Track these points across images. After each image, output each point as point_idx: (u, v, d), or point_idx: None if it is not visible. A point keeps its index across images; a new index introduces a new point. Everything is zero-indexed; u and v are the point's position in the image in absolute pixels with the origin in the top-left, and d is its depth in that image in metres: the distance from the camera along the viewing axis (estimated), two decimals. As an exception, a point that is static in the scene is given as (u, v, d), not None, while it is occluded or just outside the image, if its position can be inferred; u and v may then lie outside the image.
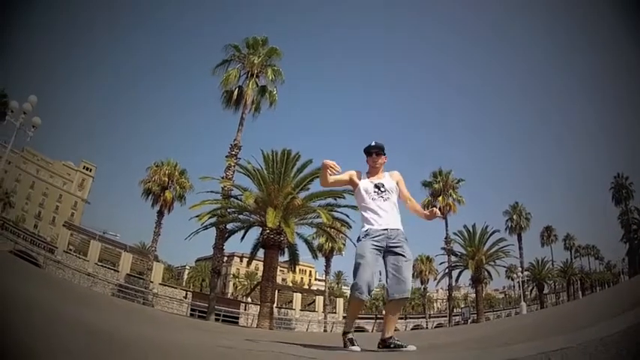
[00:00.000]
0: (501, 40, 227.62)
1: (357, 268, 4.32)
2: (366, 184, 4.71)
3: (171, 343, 3.04)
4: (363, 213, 4.67)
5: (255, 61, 27.52)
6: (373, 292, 4.58)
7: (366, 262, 4.28)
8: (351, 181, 4.86)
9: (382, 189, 4.64)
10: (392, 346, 4.09)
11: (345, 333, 4.48)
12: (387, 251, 4.40)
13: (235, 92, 27.59)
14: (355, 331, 4.67)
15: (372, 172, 4.83)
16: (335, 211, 22.33)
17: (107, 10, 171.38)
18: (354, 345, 4.26)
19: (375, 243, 4.39)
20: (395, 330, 4.26)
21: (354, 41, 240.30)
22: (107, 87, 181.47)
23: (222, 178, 24.31)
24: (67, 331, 2.04)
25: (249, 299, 45.29)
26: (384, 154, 4.84)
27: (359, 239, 4.54)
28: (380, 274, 4.81)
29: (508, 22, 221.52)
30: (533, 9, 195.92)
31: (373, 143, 4.81)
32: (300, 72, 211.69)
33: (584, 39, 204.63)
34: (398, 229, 4.48)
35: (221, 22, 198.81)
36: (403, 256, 4.32)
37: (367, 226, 4.52)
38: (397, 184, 4.76)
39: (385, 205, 4.60)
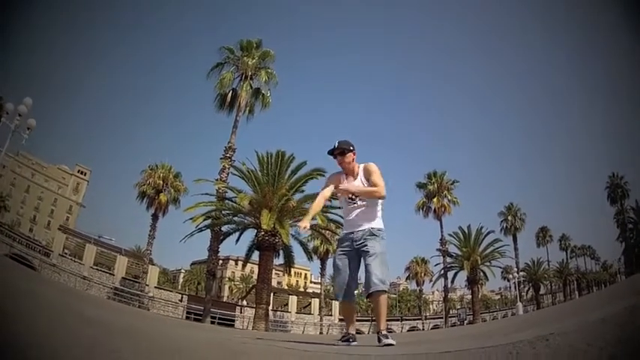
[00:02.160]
0: (500, 40, 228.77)
1: (333, 275, 4.73)
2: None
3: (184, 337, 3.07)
4: (344, 217, 4.95)
5: (249, 64, 27.56)
6: (356, 291, 4.74)
7: (337, 268, 4.62)
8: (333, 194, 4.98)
9: (354, 195, 4.73)
10: (378, 340, 4.15)
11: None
12: (358, 252, 4.60)
13: (229, 95, 27.61)
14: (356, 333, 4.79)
15: (346, 172, 4.90)
16: (330, 212, 22.33)
17: (102, 15, 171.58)
18: (346, 341, 4.48)
19: (343, 249, 4.69)
20: (389, 330, 4.29)
21: (348, 42, 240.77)
22: (101, 90, 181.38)
23: (217, 180, 24.27)
24: (67, 326, 2.07)
25: (244, 302, 45.20)
26: (351, 150, 4.82)
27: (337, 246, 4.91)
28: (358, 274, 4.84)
29: (504, 21, 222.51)
30: (531, 8, 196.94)
31: (336, 144, 4.80)
32: (294, 74, 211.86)
33: (580, 38, 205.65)
34: (363, 230, 4.62)
35: (216, 25, 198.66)
36: (367, 252, 4.45)
37: (341, 234, 4.92)
38: (369, 178, 4.73)
39: (354, 209, 4.76)
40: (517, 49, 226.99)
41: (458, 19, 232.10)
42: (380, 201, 4.77)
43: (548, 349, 1.66)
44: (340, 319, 51.42)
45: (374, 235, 4.56)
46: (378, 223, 4.67)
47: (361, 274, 4.59)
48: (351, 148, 4.82)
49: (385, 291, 4.39)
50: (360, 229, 4.62)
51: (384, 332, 4.25)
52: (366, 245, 4.49)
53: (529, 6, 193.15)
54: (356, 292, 4.79)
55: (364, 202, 4.70)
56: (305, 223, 4.67)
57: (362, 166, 4.84)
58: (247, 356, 2.46)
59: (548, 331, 1.63)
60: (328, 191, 4.90)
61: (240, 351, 2.77)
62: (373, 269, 4.33)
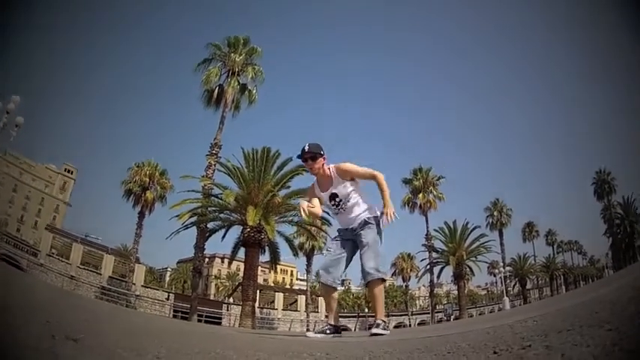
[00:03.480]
0: (488, 35, 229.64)
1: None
2: (325, 200, 4.85)
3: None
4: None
5: (236, 60, 27.55)
6: (337, 275, 4.69)
7: (327, 249, 4.85)
8: (318, 200, 4.91)
9: (337, 199, 4.74)
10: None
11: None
12: (354, 242, 4.69)
13: (216, 91, 27.58)
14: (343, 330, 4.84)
15: (319, 177, 4.86)
16: (316, 216, 22.35)
17: (87, 14, 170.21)
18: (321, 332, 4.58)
19: (340, 236, 4.83)
20: (385, 322, 4.32)
21: (337, 38, 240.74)
22: (87, 88, 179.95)
23: (203, 176, 24.23)
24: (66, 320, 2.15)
25: (231, 300, 45.17)
26: (322, 155, 4.74)
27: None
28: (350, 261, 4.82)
29: (499, 20, 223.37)
30: (527, 7, 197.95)
31: (306, 148, 4.71)
32: (280, 71, 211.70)
33: (572, 36, 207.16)
34: (359, 222, 4.65)
35: (203, 23, 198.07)
36: (360, 242, 4.54)
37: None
38: (350, 177, 4.72)
39: (342, 213, 4.79)
40: (506, 47, 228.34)
41: (451, 15, 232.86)
42: (360, 191, 4.78)
43: (525, 328, 1.79)
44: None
45: (367, 223, 4.58)
46: (368, 212, 4.65)
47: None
48: (322, 152, 4.75)
49: (381, 279, 4.42)
50: (354, 224, 4.66)
51: (377, 321, 4.31)
52: (360, 235, 4.55)
53: (522, 4, 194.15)
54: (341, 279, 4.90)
55: (348, 204, 4.70)
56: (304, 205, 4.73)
57: (332, 168, 4.76)
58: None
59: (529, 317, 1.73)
60: (313, 199, 4.90)
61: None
62: (366, 259, 4.40)
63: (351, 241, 4.69)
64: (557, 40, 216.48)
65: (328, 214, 22.65)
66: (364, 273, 4.37)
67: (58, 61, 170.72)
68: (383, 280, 4.45)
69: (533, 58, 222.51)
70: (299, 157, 4.81)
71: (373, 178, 4.66)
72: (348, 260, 4.73)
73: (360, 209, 4.69)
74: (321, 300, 49.86)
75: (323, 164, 4.76)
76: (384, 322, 4.34)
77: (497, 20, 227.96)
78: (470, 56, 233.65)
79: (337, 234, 4.88)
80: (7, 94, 19.31)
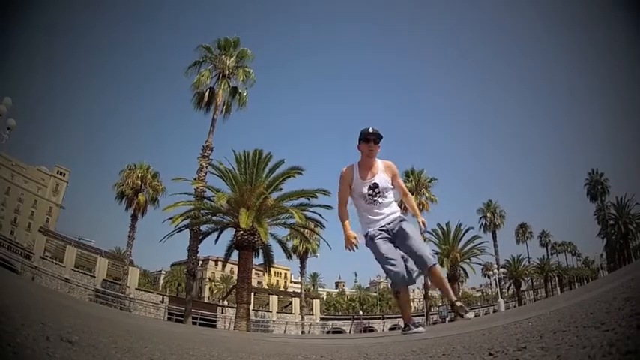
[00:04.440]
0: (486, 37, 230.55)
1: (382, 263, 4.45)
2: (360, 188, 4.63)
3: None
4: (361, 215, 4.72)
5: (227, 62, 27.48)
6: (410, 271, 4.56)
7: (385, 255, 4.38)
8: (349, 190, 4.73)
9: (377, 190, 4.59)
10: (458, 314, 4.39)
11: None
12: (392, 240, 4.52)
13: (207, 93, 27.44)
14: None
15: (365, 163, 4.69)
16: (308, 210, 22.37)
17: (81, 16, 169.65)
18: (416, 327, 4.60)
19: (381, 237, 4.52)
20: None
21: (325, 40, 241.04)
22: (80, 90, 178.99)
23: (195, 179, 24.12)
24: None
25: (225, 302, 45.05)
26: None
27: (366, 244, 4.64)
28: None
29: (495, 21, 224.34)
30: (527, 7, 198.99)
31: (371, 130, 4.55)
32: (272, 73, 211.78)
33: (568, 39, 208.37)
34: (394, 218, 4.57)
35: (193, 25, 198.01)
36: (406, 235, 4.42)
37: (368, 229, 4.60)
38: (392, 178, 4.71)
39: (379, 205, 4.62)
40: (502, 48, 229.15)
41: (452, 13, 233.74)
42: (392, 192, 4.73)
43: (520, 329, 1.80)
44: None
45: (405, 220, 4.55)
46: (400, 213, 4.65)
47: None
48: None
49: (438, 263, 4.41)
50: (391, 219, 4.55)
51: (458, 303, 4.32)
52: (402, 229, 4.45)
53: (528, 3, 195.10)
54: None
55: (386, 199, 4.63)
56: (352, 235, 4.60)
57: (381, 162, 4.70)
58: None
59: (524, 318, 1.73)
60: (346, 190, 4.73)
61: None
62: (422, 247, 4.33)
63: (393, 237, 4.52)
64: (555, 42, 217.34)
65: (321, 216, 22.95)
66: (424, 259, 4.26)
67: (50, 63, 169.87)
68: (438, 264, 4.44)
69: (530, 60, 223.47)
70: (364, 136, 4.57)
71: (404, 190, 4.88)
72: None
73: (395, 207, 4.66)
74: (315, 302, 49.90)
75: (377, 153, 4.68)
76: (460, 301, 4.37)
77: (497, 19, 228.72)
78: (469, 56, 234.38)
79: (376, 237, 4.51)
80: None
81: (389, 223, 4.53)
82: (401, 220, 4.52)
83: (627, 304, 1.52)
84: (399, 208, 4.65)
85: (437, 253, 40.55)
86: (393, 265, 4.31)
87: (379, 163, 4.67)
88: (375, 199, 4.58)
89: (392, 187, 4.68)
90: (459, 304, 4.28)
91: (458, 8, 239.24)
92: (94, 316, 3.31)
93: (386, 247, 4.40)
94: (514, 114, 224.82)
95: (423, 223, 4.75)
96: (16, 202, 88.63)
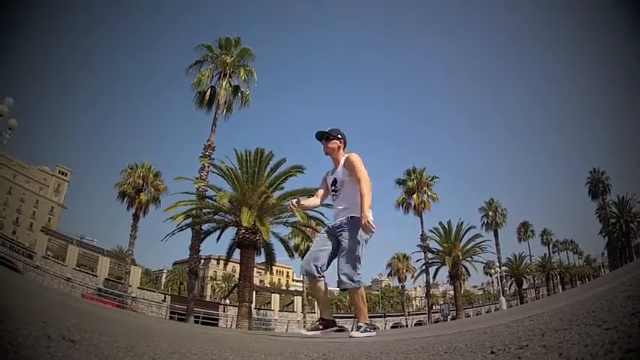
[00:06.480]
0: (487, 38, 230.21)
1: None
2: (328, 183, 4.89)
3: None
4: None
5: (228, 61, 27.40)
6: (321, 266, 4.56)
7: (314, 242, 4.79)
8: (326, 185, 4.97)
9: (336, 185, 4.76)
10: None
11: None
12: (337, 242, 4.55)
13: (208, 92, 27.45)
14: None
15: (333, 161, 4.93)
16: (309, 209, 22.34)
17: (81, 15, 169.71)
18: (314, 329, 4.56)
19: (328, 230, 4.78)
20: (368, 324, 4.22)
21: (331, 37, 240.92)
22: (81, 89, 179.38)
23: (197, 178, 24.13)
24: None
25: (227, 301, 45.10)
26: (338, 138, 4.85)
27: None
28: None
29: (494, 20, 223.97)
30: (528, 6, 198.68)
31: (326, 130, 4.85)
32: (273, 71, 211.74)
33: (569, 38, 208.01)
34: (341, 219, 4.57)
35: (194, 24, 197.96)
36: (341, 243, 4.45)
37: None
38: (351, 171, 4.64)
39: (337, 201, 4.77)
40: (503, 48, 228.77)
41: (452, 13, 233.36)
42: (357, 187, 4.55)
43: (522, 328, 1.79)
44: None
45: (349, 224, 4.45)
46: (355, 211, 4.41)
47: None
48: (339, 136, 4.86)
49: (355, 287, 4.31)
50: (339, 218, 4.60)
51: (359, 324, 4.27)
52: (341, 236, 4.45)
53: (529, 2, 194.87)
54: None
55: (341, 194, 4.69)
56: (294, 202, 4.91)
57: (345, 156, 4.76)
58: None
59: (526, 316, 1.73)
60: (323, 187, 5.00)
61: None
62: (341, 265, 4.32)
63: (335, 238, 4.57)
64: (556, 42, 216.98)
65: (323, 214, 22.91)
66: (339, 279, 4.31)
67: (50, 63, 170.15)
68: (356, 288, 4.34)
69: (530, 60, 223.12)
70: (317, 136, 4.94)
71: (358, 180, 4.49)
72: (331, 258, 4.60)
73: (347, 203, 4.61)
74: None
75: (339, 149, 4.86)
76: (367, 324, 4.27)
77: (498, 19, 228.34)
78: (470, 55, 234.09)
79: (327, 227, 4.89)
80: (1, 96, 19.16)
81: (337, 226, 4.58)
82: (347, 223, 4.48)
83: (629, 302, 1.51)
84: (357, 203, 4.41)
85: (438, 251, 40.64)
86: (307, 257, 4.66)
87: (342, 158, 4.79)
88: (335, 193, 4.78)
89: (348, 179, 4.65)
90: (359, 324, 4.27)
91: (458, 8, 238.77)
92: (95, 316, 3.31)
93: (317, 241, 4.84)
94: (515, 113, 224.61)
95: (366, 225, 4.24)
96: (17, 201, 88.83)
